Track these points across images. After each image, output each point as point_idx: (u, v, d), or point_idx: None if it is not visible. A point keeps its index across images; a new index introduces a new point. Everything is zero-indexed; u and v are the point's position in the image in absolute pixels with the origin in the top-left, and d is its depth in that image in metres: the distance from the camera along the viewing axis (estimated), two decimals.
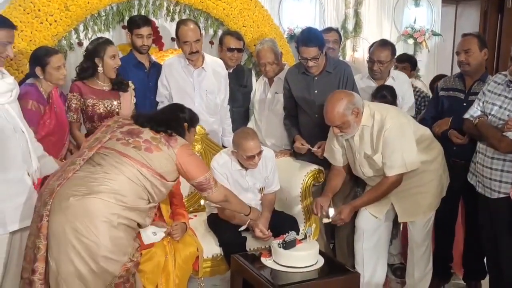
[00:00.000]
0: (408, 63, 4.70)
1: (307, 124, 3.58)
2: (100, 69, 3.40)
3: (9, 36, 2.43)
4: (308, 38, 3.37)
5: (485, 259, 3.39)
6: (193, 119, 2.76)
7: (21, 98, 2.86)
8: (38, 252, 2.22)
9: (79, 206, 2.20)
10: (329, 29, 4.62)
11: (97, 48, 3.39)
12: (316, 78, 3.50)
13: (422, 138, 3.13)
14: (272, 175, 3.38)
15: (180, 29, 3.70)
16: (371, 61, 3.86)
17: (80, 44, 3.94)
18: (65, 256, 2.19)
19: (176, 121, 2.59)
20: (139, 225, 2.43)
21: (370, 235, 3.24)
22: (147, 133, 2.46)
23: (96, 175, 2.29)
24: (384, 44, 3.90)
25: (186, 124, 2.66)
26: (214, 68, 3.84)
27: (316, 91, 3.49)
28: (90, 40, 3.71)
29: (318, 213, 3.13)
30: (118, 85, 3.51)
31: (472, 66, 3.34)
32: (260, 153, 3.18)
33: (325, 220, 3.17)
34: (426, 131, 3.22)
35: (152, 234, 2.83)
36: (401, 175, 3.02)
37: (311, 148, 3.48)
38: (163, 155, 2.43)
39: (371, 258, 3.26)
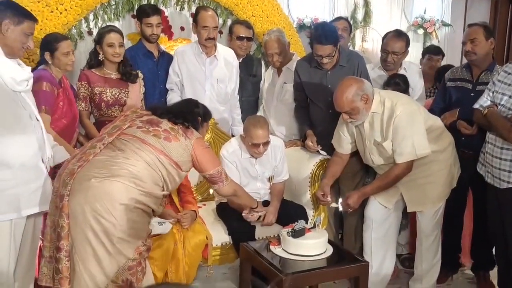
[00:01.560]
0: (441, 56, 4.57)
1: (320, 120, 3.56)
2: (101, 56, 3.46)
3: (31, 28, 2.51)
4: (323, 35, 3.29)
5: (493, 250, 3.39)
6: (206, 114, 2.85)
7: (35, 82, 2.90)
8: (62, 231, 2.28)
9: (100, 187, 2.26)
10: (338, 18, 4.61)
11: (99, 36, 3.48)
12: (329, 72, 3.46)
13: (432, 127, 3.11)
14: (281, 164, 3.40)
15: (200, 14, 3.71)
16: (385, 52, 3.81)
17: (90, 33, 3.95)
18: (82, 235, 2.24)
19: (191, 114, 2.68)
20: (154, 212, 2.48)
21: (379, 225, 3.24)
22: (165, 124, 2.54)
23: (117, 160, 2.36)
24: (399, 35, 3.84)
25: (199, 118, 2.74)
26: (226, 57, 3.85)
27: (329, 86, 3.44)
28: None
29: (325, 196, 3.13)
30: (127, 76, 3.53)
31: (478, 56, 3.32)
32: (266, 143, 3.19)
33: (333, 205, 3.19)
34: (437, 121, 3.21)
35: (157, 224, 2.86)
36: (411, 162, 3.02)
37: (319, 151, 3.49)
38: (181, 145, 2.50)
39: (379, 249, 3.26)
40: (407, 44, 3.84)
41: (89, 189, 2.26)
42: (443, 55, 4.63)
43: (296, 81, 3.65)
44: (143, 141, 2.43)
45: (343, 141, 3.25)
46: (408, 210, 3.25)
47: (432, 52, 4.53)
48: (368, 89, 2.99)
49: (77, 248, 2.26)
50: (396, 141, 2.97)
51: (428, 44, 5.54)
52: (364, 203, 3.34)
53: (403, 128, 2.94)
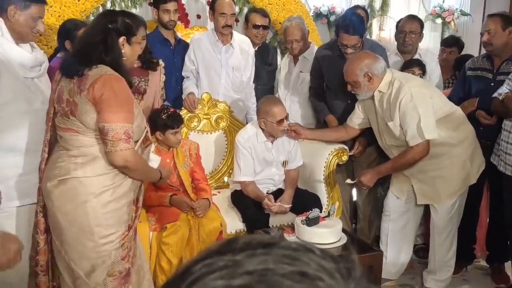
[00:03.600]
0: (456, 48, 4.48)
1: (337, 109, 3.56)
2: None
3: (40, 11, 2.44)
4: (351, 25, 3.25)
5: (508, 242, 3.36)
6: (129, 25, 2.13)
7: (54, 72, 2.90)
8: (38, 246, 2.25)
9: (58, 191, 2.11)
10: (356, 7, 4.57)
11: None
12: None
13: (450, 117, 3.04)
14: (295, 149, 3.42)
15: (218, 1, 3.70)
16: (402, 33, 3.88)
17: None
18: (66, 238, 2.15)
19: (103, 45, 2.07)
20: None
21: (398, 217, 3.22)
22: (66, 88, 2.09)
23: (62, 155, 2.15)
24: (412, 17, 4.00)
25: (123, 37, 2.12)
26: (242, 46, 3.84)
27: None
28: None
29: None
30: (147, 64, 3.52)
31: (495, 46, 3.29)
32: (287, 116, 3.23)
33: (348, 181, 3.22)
34: (456, 110, 3.11)
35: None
36: (427, 145, 2.92)
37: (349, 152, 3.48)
38: (81, 108, 2.06)
39: (395, 241, 3.24)
40: (422, 26, 3.93)
41: (51, 194, 2.11)
42: (458, 46, 4.52)
43: (315, 68, 3.64)
44: (64, 130, 2.15)
45: (354, 115, 3.26)
46: (418, 202, 3.21)
47: (445, 44, 4.50)
48: (376, 69, 2.95)
49: (65, 250, 2.17)
50: (405, 124, 2.91)
51: (446, 33, 5.48)
52: (377, 192, 3.33)
53: (410, 109, 2.88)
